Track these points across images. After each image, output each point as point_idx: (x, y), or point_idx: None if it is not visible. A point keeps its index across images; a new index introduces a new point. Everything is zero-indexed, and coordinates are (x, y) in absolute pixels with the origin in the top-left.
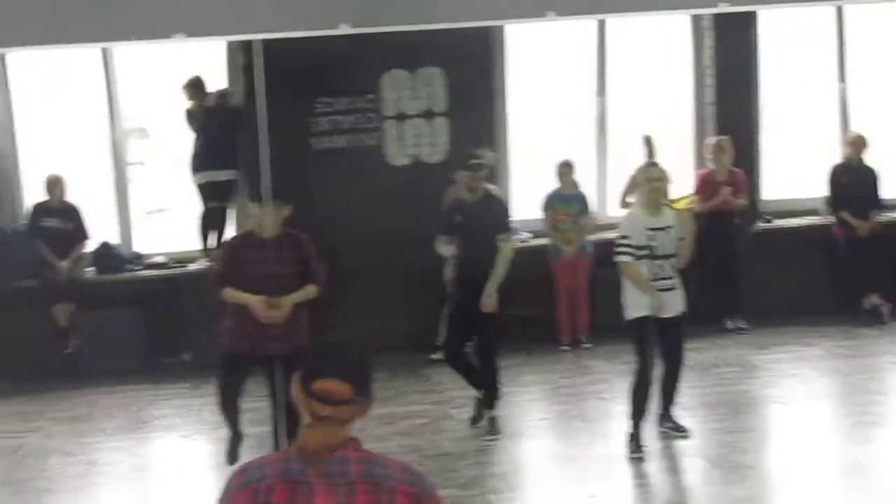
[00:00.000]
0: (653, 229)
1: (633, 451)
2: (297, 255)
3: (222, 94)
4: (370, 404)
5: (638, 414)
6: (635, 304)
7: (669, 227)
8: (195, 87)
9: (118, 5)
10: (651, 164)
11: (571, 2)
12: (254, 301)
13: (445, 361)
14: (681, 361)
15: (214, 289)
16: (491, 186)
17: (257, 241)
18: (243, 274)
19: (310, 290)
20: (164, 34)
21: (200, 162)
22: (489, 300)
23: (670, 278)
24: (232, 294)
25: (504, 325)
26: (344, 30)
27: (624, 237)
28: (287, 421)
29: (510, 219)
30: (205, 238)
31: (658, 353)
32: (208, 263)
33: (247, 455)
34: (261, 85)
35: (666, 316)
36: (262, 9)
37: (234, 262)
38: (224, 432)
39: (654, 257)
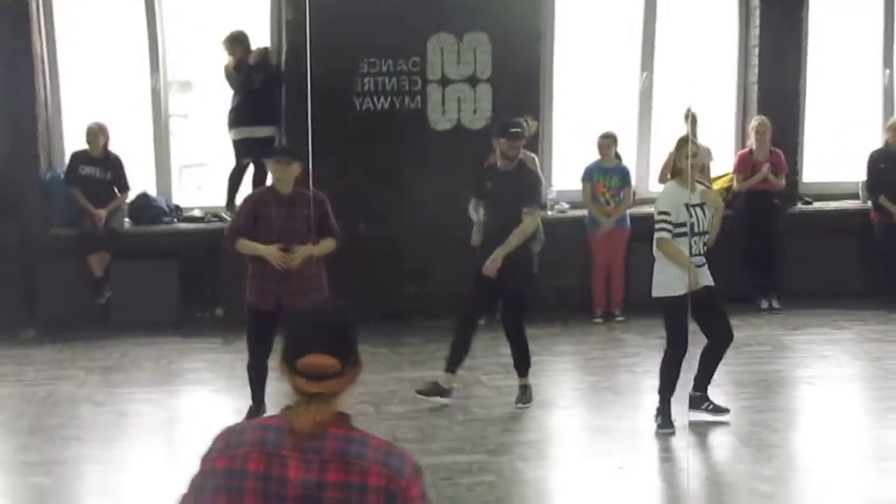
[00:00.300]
0: (692, 205)
1: (661, 426)
2: (315, 211)
3: (264, 52)
4: (359, 372)
5: (668, 389)
6: (674, 281)
7: (705, 203)
8: (236, 41)
9: None
10: (685, 140)
11: None
12: (267, 249)
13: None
14: (730, 336)
15: (227, 241)
16: (529, 155)
17: (275, 196)
18: (260, 229)
19: (327, 245)
20: None
21: (238, 117)
22: (492, 265)
23: (702, 255)
24: (245, 245)
25: (523, 295)
26: None
27: (663, 213)
28: None
29: (540, 192)
30: (232, 194)
31: (704, 329)
32: None
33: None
34: (304, 42)
35: (704, 288)
36: None
37: (252, 216)
38: None
39: (692, 234)
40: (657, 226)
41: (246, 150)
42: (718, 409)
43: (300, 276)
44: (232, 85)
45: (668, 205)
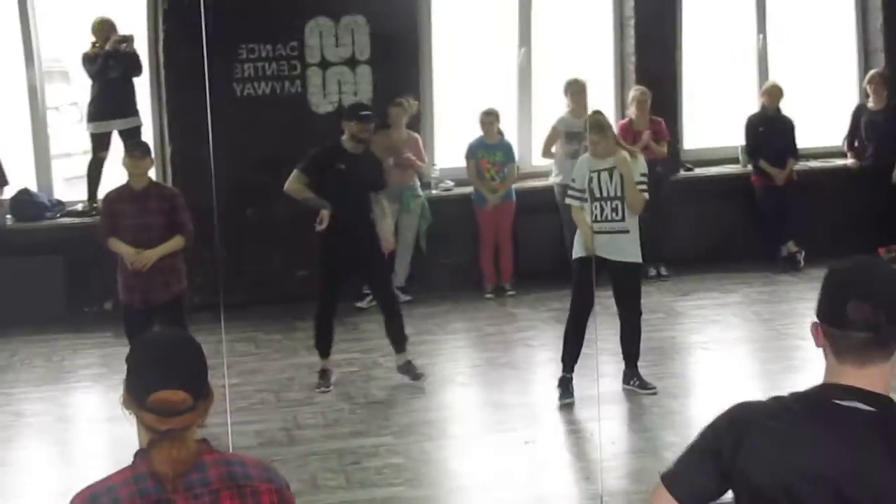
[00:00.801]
0: (598, 171)
1: (561, 397)
2: (164, 205)
3: (122, 39)
4: (210, 404)
5: (567, 355)
6: (576, 245)
7: (613, 168)
8: (102, 28)
9: None
10: (593, 117)
11: None
12: (124, 249)
13: (320, 315)
14: (633, 311)
15: (99, 240)
16: (413, 136)
17: (130, 193)
18: (119, 225)
19: (176, 242)
20: None
21: (96, 110)
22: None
23: (612, 221)
24: (111, 243)
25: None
26: None
27: (571, 181)
28: None
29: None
30: (93, 188)
31: (616, 302)
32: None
33: None
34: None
35: (608, 258)
36: None
37: (110, 213)
38: None
39: (594, 199)
40: (567, 194)
41: (103, 144)
42: (644, 386)
43: (161, 270)
44: (88, 73)
45: (575, 173)
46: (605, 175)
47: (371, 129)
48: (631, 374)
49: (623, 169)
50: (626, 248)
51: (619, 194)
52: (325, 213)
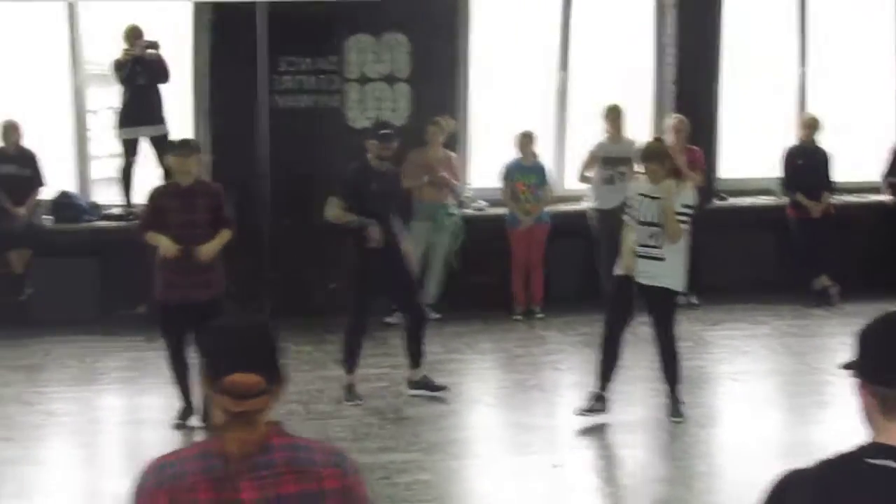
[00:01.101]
0: (643, 195)
1: (588, 408)
2: (211, 202)
3: (148, 44)
4: (284, 387)
5: (598, 366)
6: (617, 264)
7: (657, 197)
8: (132, 35)
9: None
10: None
11: None
12: (164, 243)
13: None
14: (664, 336)
15: (138, 234)
16: (450, 154)
17: (176, 189)
18: (164, 221)
19: (224, 235)
20: None
21: (125, 117)
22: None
23: (649, 247)
24: (150, 236)
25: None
26: None
27: (627, 199)
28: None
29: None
30: (127, 191)
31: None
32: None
33: None
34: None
35: (642, 282)
36: None
37: (154, 209)
38: None
39: (638, 223)
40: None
41: (133, 150)
42: (672, 413)
43: (203, 270)
44: (118, 80)
45: (629, 193)
46: (648, 201)
47: (392, 148)
48: (667, 400)
49: (664, 198)
50: (660, 275)
51: (658, 221)
52: (375, 229)
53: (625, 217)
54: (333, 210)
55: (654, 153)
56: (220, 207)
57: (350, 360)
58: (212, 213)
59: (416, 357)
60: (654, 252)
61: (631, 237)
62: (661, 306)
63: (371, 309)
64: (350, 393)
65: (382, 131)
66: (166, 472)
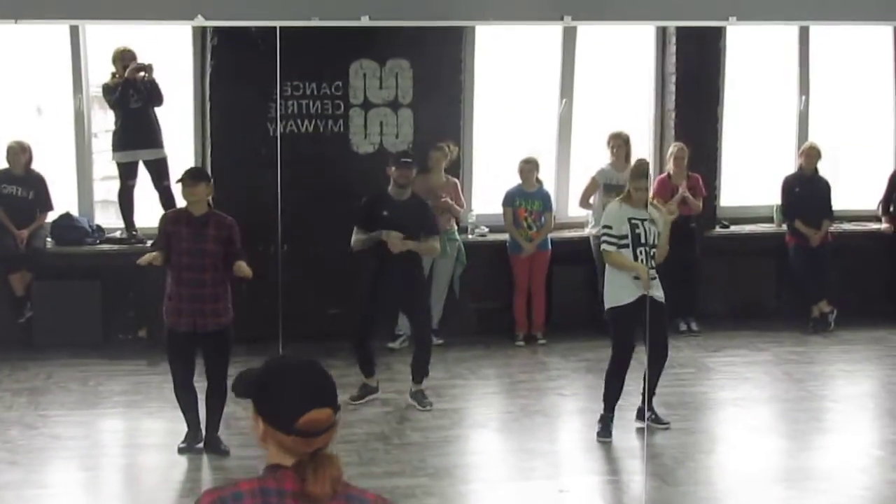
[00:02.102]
0: (637, 219)
1: (600, 434)
2: (222, 234)
3: (139, 67)
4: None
5: (610, 397)
6: (620, 291)
7: (650, 220)
8: (122, 58)
9: None
10: (639, 169)
11: (588, 7)
12: (147, 256)
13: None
14: (665, 354)
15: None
16: (452, 181)
17: (188, 216)
18: (174, 247)
19: (245, 268)
20: (183, 16)
21: (120, 140)
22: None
23: (652, 267)
24: (147, 257)
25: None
26: (364, 22)
27: (606, 227)
28: (209, 401)
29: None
30: (127, 215)
31: (646, 343)
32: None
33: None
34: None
35: (655, 297)
36: None
37: (165, 234)
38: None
39: (639, 244)
40: (602, 240)
41: (131, 173)
42: (658, 420)
43: (214, 299)
44: (109, 103)
45: (610, 219)
46: (647, 224)
47: (410, 175)
48: (649, 408)
49: (658, 220)
50: (659, 290)
51: (655, 242)
52: (389, 234)
53: (607, 246)
54: (354, 237)
55: (644, 172)
56: (231, 242)
57: (366, 367)
58: (222, 246)
59: (417, 373)
60: (653, 272)
61: (626, 259)
62: (664, 318)
63: (378, 325)
64: (362, 390)
65: (402, 159)
66: None
